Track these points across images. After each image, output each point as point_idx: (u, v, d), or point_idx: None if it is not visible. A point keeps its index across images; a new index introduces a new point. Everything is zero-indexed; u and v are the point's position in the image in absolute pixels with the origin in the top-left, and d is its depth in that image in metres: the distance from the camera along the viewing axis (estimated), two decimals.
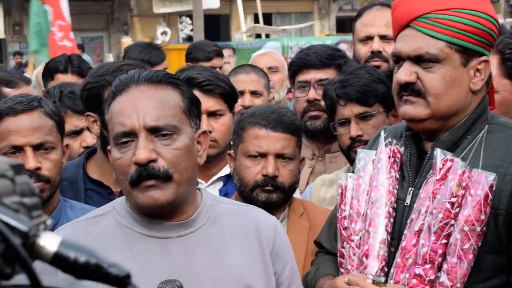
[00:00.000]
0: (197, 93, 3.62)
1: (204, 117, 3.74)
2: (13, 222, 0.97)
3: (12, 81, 4.89)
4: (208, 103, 3.84)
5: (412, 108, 2.81)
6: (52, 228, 2.98)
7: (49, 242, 1.02)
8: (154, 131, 2.52)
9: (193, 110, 2.65)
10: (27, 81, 5.18)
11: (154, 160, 2.49)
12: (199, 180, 3.91)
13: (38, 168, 3.25)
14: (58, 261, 1.03)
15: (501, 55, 3.63)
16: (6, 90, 4.60)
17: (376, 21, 4.61)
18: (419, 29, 2.78)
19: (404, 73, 2.80)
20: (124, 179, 2.55)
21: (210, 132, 3.77)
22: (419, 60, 2.78)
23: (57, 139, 3.38)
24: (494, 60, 3.59)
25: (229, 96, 4.02)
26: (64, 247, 1.03)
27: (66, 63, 5.95)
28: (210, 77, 3.98)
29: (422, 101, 2.79)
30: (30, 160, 3.23)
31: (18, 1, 30.98)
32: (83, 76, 5.76)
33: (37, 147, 3.28)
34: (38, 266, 1.00)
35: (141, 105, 2.54)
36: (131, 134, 2.52)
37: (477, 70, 2.81)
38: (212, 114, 3.91)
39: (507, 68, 3.63)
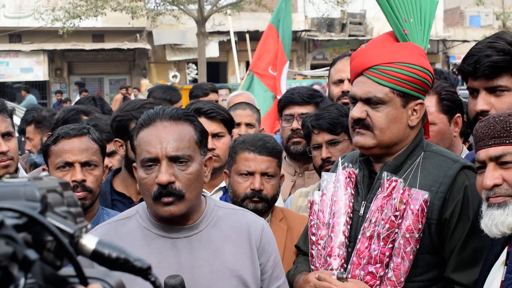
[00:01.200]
0: (203, 119, 3.79)
1: (209, 138, 3.83)
2: (62, 226, 0.99)
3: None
4: (212, 127, 3.95)
5: (362, 139, 2.86)
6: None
7: (89, 241, 1.04)
8: (174, 159, 2.59)
9: (203, 140, 2.72)
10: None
11: (172, 182, 2.56)
12: (204, 190, 3.97)
13: (84, 180, 3.30)
14: (96, 256, 1.05)
15: (438, 95, 3.64)
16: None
17: (346, 68, 4.63)
18: (369, 77, 2.83)
19: (357, 111, 2.85)
20: (148, 194, 2.61)
21: (213, 149, 3.89)
22: (369, 101, 2.83)
23: (100, 159, 3.44)
24: (433, 99, 3.63)
25: (228, 121, 4.13)
26: (100, 245, 1.05)
27: (91, 104, 6.03)
28: (212, 107, 4.13)
29: (370, 133, 2.84)
30: (78, 174, 3.30)
31: (60, 50, 30.83)
32: (104, 112, 5.86)
33: (84, 164, 3.34)
34: (80, 260, 1.01)
35: (164, 138, 2.60)
36: (155, 160, 2.58)
37: (414, 110, 2.86)
38: (215, 135, 4.02)
39: (443, 105, 3.64)
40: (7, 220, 0.93)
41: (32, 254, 0.93)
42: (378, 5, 3.04)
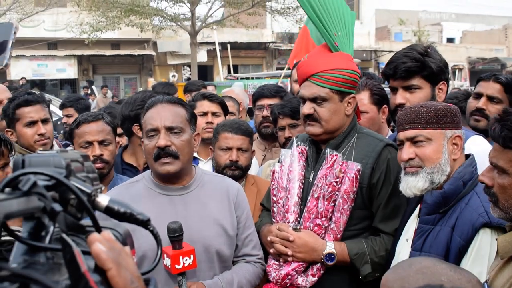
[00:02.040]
0: (206, 101, 4.01)
1: (209, 115, 4.02)
2: (82, 187, 0.99)
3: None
4: (212, 107, 4.06)
5: (312, 128, 2.86)
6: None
7: (103, 199, 1.04)
8: (170, 129, 2.61)
9: (192, 120, 2.73)
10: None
11: (169, 146, 2.57)
12: (200, 158, 4.05)
13: (101, 155, 3.28)
14: (108, 210, 1.05)
15: (370, 91, 3.65)
16: None
17: None
18: (313, 82, 2.81)
19: (306, 108, 2.85)
20: (150, 157, 2.63)
21: (212, 123, 3.96)
22: (315, 100, 2.82)
23: (113, 137, 3.40)
24: (366, 94, 3.64)
25: (223, 105, 4.19)
26: (111, 202, 1.05)
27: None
28: (213, 93, 4.33)
29: (318, 124, 2.84)
30: (97, 150, 3.27)
31: (86, 55, 30.51)
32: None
33: (101, 142, 3.30)
34: (97, 215, 1.01)
35: (163, 114, 2.62)
36: (156, 130, 2.60)
37: (349, 102, 2.86)
38: (213, 113, 4.07)
39: (374, 99, 3.65)
40: (39, 181, 0.92)
41: (57, 206, 0.92)
42: (314, 25, 3.04)
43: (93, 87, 25.29)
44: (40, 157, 1.01)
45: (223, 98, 4.36)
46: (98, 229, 1.00)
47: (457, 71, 37.14)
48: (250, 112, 7.68)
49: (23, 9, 26.31)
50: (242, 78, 21.62)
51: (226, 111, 4.23)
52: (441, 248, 2.35)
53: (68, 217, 0.95)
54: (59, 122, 7.07)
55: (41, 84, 30.09)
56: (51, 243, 0.92)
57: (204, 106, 4.13)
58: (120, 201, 1.08)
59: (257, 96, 4.68)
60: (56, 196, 0.96)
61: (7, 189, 0.91)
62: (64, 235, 0.89)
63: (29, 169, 0.95)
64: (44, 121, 3.82)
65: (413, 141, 2.46)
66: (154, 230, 1.12)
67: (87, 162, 1.13)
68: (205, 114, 4.09)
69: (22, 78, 25.45)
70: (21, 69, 28.52)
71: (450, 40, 45.46)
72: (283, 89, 4.87)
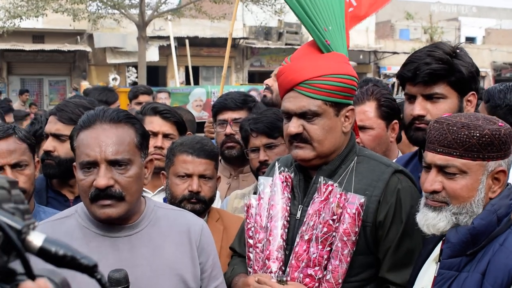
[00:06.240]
0: (158, 119, 3.92)
1: (160, 137, 3.92)
2: (10, 222, 0.98)
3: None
4: (165, 127, 3.98)
5: (302, 152, 2.84)
6: None
7: (36, 238, 1.03)
8: (113, 163, 2.51)
9: (143, 143, 2.65)
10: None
11: (111, 186, 2.49)
12: (147, 190, 3.93)
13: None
14: (43, 253, 1.04)
15: (377, 101, 3.68)
16: None
17: None
18: (301, 92, 2.79)
19: (293, 126, 2.81)
20: (85, 196, 2.53)
21: (162, 148, 3.86)
22: (304, 115, 2.80)
23: (30, 157, 3.29)
24: (372, 105, 3.68)
25: (181, 125, 4.10)
26: (47, 242, 1.04)
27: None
28: (168, 108, 4.16)
29: (309, 146, 2.82)
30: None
31: (1, 49, 30.40)
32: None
33: (14, 166, 3.19)
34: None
35: (103, 141, 2.52)
36: (94, 163, 2.50)
37: (346, 116, 2.86)
38: (166, 136, 3.98)
39: (381, 111, 3.68)
40: None
41: None
42: (298, 19, 3.02)
43: None
44: None
45: (181, 116, 4.23)
46: (32, 275, 0.99)
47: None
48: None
49: None
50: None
51: (183, 131, 4.13)
52: None
53: None
54: None
55: None
56: None
57: (154, 124, 4.02)
58: (59, 241, 1.07)
59: (218, 108, 4.60)
60: None
61: None
62: None
63: None
64: None
65: (443, 170, 2.45)
66: (102, 279, 1.11)
67: (14, 190, 1.12)
68: (154, 135, 3.94)
69: None
70: None
71: (470, 40, 46.32)
72: (252, 98, 4.81)
